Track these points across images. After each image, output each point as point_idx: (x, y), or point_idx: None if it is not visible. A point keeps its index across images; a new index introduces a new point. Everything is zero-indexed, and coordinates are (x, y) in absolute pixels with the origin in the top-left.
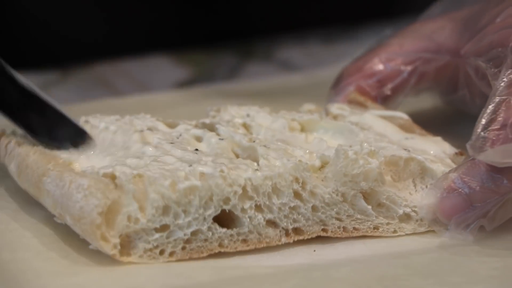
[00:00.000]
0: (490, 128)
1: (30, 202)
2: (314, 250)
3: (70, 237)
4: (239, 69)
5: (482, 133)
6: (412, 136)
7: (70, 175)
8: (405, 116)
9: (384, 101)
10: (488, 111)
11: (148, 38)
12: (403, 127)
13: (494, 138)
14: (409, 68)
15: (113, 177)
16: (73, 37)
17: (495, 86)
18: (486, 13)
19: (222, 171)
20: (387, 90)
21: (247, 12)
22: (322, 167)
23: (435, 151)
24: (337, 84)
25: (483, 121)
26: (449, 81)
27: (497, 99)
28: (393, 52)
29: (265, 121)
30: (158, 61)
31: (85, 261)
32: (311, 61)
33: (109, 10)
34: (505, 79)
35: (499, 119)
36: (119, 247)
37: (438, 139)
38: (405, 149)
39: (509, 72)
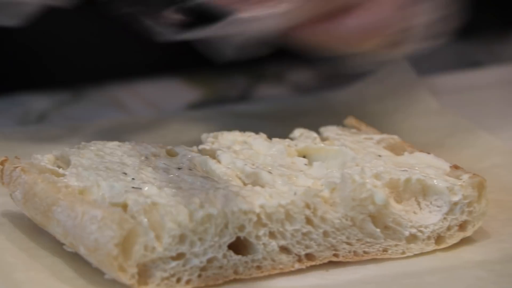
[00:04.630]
0: None
1: None
2: (327, 271)
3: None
4: (250, 91)
5: None
6: (405, 155)
7: (81, 206)
8: (395, 137)
9: None
10: None
11: (160, 59)
12: (394, 147)
13: None
14: None
15: (125, 205)
16: (85, 58)
17: None
18: None
19: (236, 197)
20: None
21: None
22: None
23: (431, 167)
24: None
25: None
26: None
27: None
28: None
29: (262, 147)
30: (170, 82)
31: (102, 282)
32: (322, 84)
33: (122, 32)
34: None
35: None
36: (136, 276)
37: (431, 156)
38: (403, 169)
39: None
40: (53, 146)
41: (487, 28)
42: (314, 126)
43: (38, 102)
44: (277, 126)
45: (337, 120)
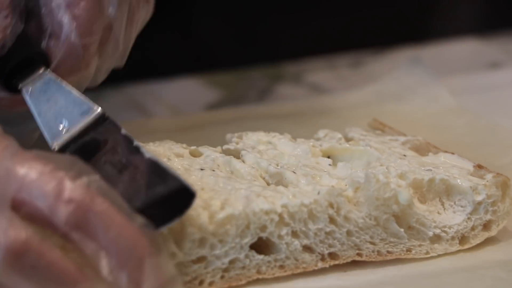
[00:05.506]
0: None
1: None
2: (345, 271)
3: None
4: (269, 92)
5: None
6: (429, 156)
7: None
8: (420, 138)
9: None
10: None
11: (178, 61)
12: (419, 148)
13: None
14: None
15: None
16: None
17: None
18: None
19: (258, 197)
20: None
21: (277, 36)
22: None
23: (455, 167)
24: None
25: None
26: None
27: None
28: None
29: (287, 148)
30: (189, 83)
31: None
32: (340, 84)
33: (140, 33)
34: None
35: None
36: None
37: (455, 156)
38: (427, 169)
39: None
40: None
41: (505, 29)
42: (333, 126)
43: None
44: (295, 126)
45: (356, 119)
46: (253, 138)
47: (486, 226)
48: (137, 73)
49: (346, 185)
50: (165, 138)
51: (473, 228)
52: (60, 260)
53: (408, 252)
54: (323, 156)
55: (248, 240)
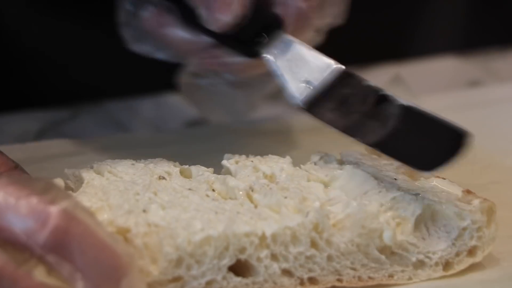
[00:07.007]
0: None
1: None
2: None
3: None
4: None
5: None
6: (421, 180)
7: None
8: None
9: None
10: None
11: (158, 77)
12: (412, 172)
13: None
14: None
15: (128, 229)
16: (84, 76)
17: None
18: None
19: (241, 219)
20: None
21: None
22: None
23: (443, 192)
24: None
25: None
26: None
27: None
28: None
29: (281, 170)
30: (169, 100)
31: None
32: None
33: (120, 50)
34: None
35: None
36: None
37: (446, 181)
38: (415, 193)
39: None
40: (52, 164)
41: (485, 47)
42: (317, 144)
43: (36, 120)
44: (275, 143)
45: (335, 137)
46: (248, 164)
47: (471, 252)
48: (117, 89)
49: (332, 206)
50: (145, 154)
51: (457, 254)
52: (36, 287)
53: (390, 278)
54: (317, 179)
55: (226, 261)
